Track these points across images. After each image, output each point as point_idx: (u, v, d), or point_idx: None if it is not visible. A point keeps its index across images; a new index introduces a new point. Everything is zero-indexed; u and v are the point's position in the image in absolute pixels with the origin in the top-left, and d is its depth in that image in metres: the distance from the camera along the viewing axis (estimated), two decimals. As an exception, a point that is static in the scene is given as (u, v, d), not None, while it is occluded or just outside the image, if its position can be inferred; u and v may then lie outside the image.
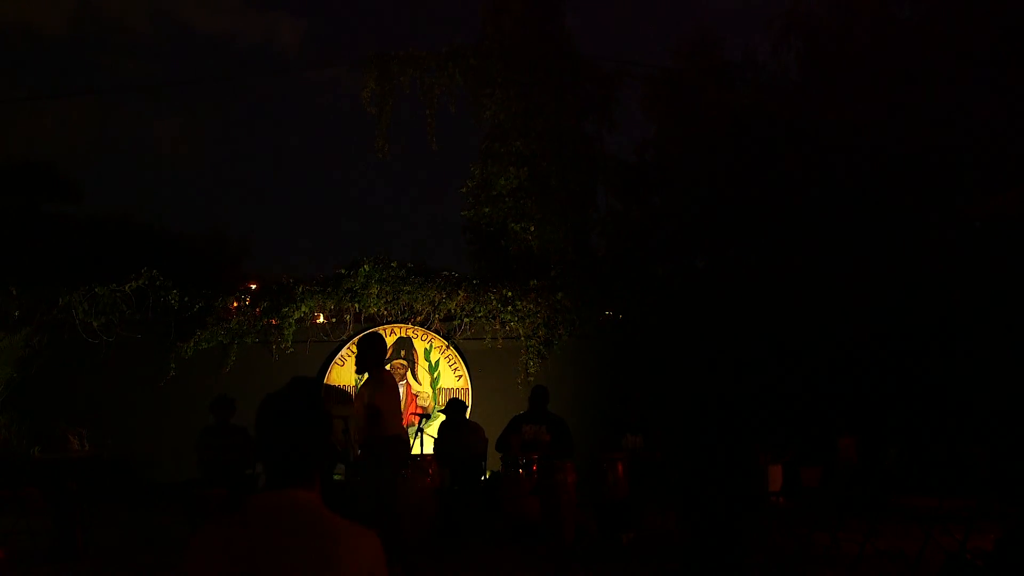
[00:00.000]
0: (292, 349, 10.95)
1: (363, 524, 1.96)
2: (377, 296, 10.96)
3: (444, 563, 7.02)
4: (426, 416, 9.70)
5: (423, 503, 7.75)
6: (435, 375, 11.09)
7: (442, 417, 10.43)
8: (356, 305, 11.03)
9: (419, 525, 7.70)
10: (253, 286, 11.98)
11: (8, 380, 10.62)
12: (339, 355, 10.99)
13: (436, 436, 8.95)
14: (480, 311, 11.07)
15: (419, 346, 11.13)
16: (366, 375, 6.54)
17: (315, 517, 1.91)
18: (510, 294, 11.05)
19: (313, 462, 1.99)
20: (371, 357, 6.54)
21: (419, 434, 8.67)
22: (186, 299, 10.97)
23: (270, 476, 1.97)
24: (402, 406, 10.85)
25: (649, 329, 11.08)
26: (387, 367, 7.32)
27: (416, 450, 8.56)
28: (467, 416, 9.06)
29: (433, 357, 11.12)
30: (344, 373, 10.94)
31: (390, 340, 11.08)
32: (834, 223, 11.07)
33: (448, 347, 11.12)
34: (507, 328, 11.12)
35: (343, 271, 11.10)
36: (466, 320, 11.14)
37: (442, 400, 10.97)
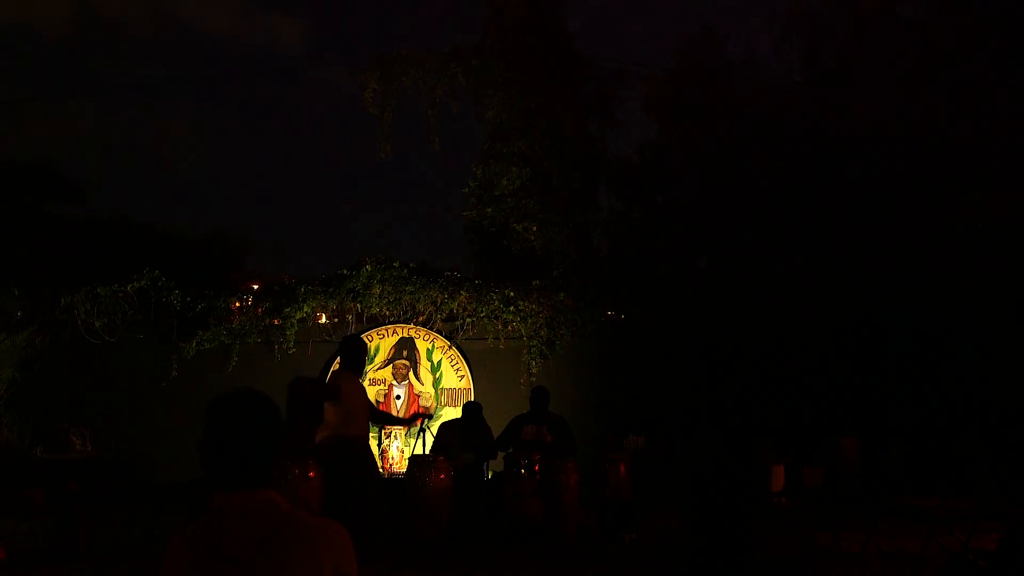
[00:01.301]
0: (294, 349, 10.95)
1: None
2: (379, 296, 10.97)
3: (447, 563, 7.02)
4: (428, 416, 9.70)
5: (439, 502, 7.75)
6: (437, 375, 11.10)
7: (443, 417, 10.47)
8: (358, 305, 11.03)
9: (435, 525, 7.71)
10: (255, 286, 11.98)
11: (10, 381, 10.63)
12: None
13: (436, 433, 8.96)
14: (482, 311, 11.07)
15: (421, 346, 11.13)
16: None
17: (282, 514, 1.96)
18: (512, 294, 11.05)
19: (272, 463, 2.05)
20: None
21: (421, 434, 8.67)
22: (188, 299, 10.97)
23: (226, 477, 2.00)
24: (405, 405, 10.92)
25: (651, 329, 11.07)
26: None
27: (419, 450, 8.57)
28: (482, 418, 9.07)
29: (435, 357, 11.13)
30: (346, 373, 10.92)
31: (392, 340, 11.09)
32: (836, 222, 11.06)
33: (450, 347, 11.12)
34: (509, 328, 11.12)
35: (345, 271, 11.10)
36: (468, 320, 11.15)
37: (444, 400, 10.99)
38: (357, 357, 7.05)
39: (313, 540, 1.93)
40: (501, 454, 8.64)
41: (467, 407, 9.14)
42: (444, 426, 9.14)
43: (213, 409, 2.05)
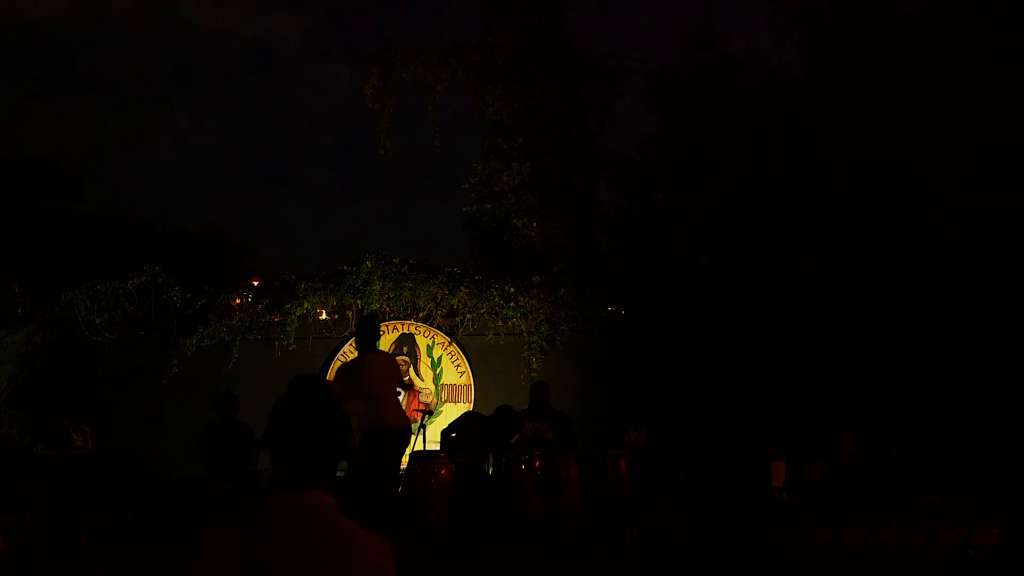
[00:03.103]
0: (295, 346, 10.95)
1: (371, 521, 1.96)
2: (380, 292, 10.96)
3: (447, 559, 7.03)
4: (429, 412, 9.71)
5: (440, 498, 7.76)
6: (438, 371, 11.10)
7: (443, 414, 10.50)
8: (359, 301, 11.03)
9: (436, 520, 7.71)
10: (255, 283, 11.98)
11: (11, 377, 10.63)
12: (342, 351, 10.99)
13: (448, 429, 8.98)
14: (482, 307, 11.07)
15: (422, 342, 11.13)
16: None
17: (330, 521, 1.90)
18: (512, 290, 11.05)
19: (330, 463, 1.99)
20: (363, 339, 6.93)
21: (422, 430, 8.67)
22: (188, 296, 10.97)
23: (287, 477, 1.96)
24: (405, 401, 10.93)
25: (652, 325, 11.07)
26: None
27: (419, 446, 8.56)
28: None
29: (436, 353, 11.13)
30: (347, 369, 10.92)
31: (392, 336, 11.09)
32: (837, 218, 11.05)
33: (451, 343, 11.12)
34: (509, 324, 11.12)
35: (346, 267, 11.10)
36: (468, 316, 11.14)
37: (444, 396, 10.99)
38: (360, 335, 7.31)
39: (357, 553, 1.87)
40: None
41: (501, 409, 9.11)
42: (468, 416, 9.17)
43: (290, 402, 2.00)
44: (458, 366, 11.09)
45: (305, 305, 10.97)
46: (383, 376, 7.28)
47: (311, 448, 1.97)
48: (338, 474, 7.68)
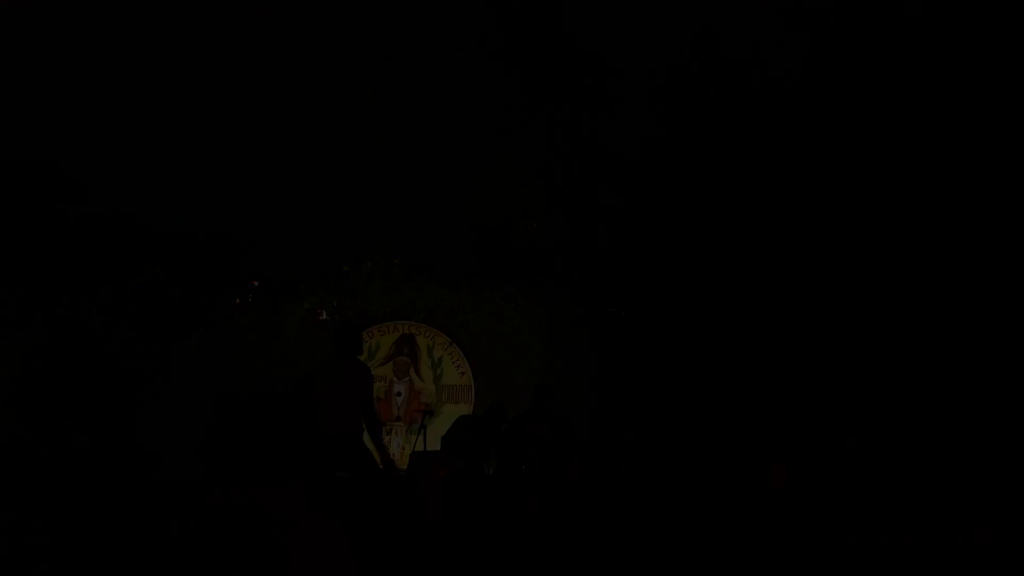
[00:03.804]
0: (295, 347, 10.93)
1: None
2: (380, 293, 10.96)
3: (447, 559, 7.02)
4: (429, 413, 9.69)
5: (439, 498, 7.76)
6: (438, 372, 11.09)
7: (444, 414, 10.49)
8: (359, 302, 11.02)
9: (435, 521, 7.71)
10: (256, 283, 11.97)
11: (11, 377, 10.62)
12: (342, 352, 10.95)
13: (452, 426, 8.99)
14: (483, 308, 11.06)
15: (422, 343, 11.12)
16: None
17: (269, 510, 1.93)
18: (513, 290, 11.04)
19: (283, 461, 2.03)
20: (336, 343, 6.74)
21: (422, 430, 8.67)
22: (189, 296, 10.96)
23: (241, 471, 2.00)
24: (406, 402, 10.93)
25: (653, 326, 11.05)
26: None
27: (419, 447, 8.57)
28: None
29: (436, 354, 11.12)
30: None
31: (393, 337, 11.08)
32: (839, 218, 11.05)
33: (451, 344, 11.11)
34: (510, 325, 11.10)
35: (346, 268, 11.09)
36: (469, 317, 11.13)
37: (445, 396, 10.98)
38: (340, 340, 6.95)
39: (301, 536, 1.90)
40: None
41: (494, 407, 9.08)
42: (460, 421, 9.17)
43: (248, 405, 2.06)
44: (459, 367, 11.08)
45: (305, 306, 10.96)
46: (332, 384, 6.85)
47: (262, 445, 2.02)
48: None
